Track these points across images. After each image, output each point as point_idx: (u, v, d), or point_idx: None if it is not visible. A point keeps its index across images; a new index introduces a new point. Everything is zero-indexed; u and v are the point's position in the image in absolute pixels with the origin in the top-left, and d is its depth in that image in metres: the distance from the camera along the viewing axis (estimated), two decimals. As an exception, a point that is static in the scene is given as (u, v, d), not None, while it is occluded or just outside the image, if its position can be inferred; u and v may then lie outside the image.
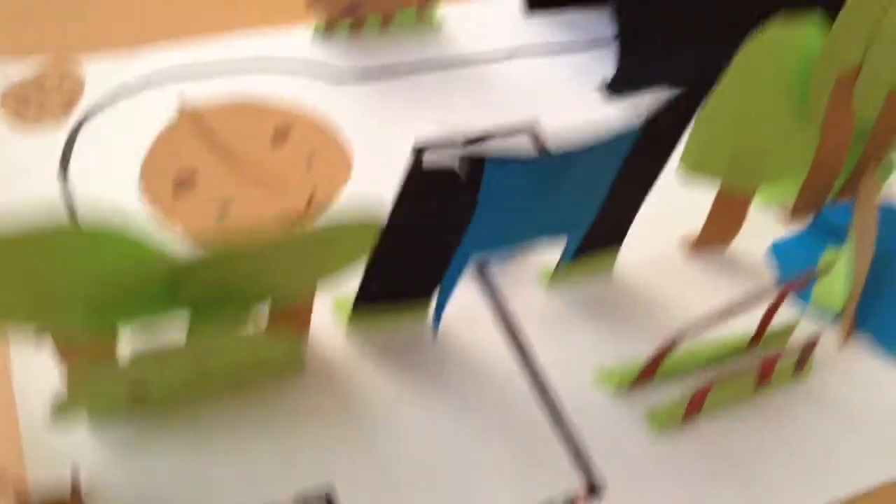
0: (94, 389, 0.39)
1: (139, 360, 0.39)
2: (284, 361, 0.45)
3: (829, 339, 0.51)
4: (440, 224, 0.43)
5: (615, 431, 0.46)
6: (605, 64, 0.67)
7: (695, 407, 0.46)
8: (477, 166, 0.40)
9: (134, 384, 0.40)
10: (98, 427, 0.43)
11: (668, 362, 0.48)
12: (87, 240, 0.35)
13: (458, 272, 0.46)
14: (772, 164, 0.52)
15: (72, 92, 0.58)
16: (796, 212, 0.57)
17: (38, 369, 0.44)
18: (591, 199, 0.47)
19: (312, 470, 0.42)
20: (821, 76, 0.49)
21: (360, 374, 0.47)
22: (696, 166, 0.49)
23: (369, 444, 0.44)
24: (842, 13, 0.47)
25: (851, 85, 0.51)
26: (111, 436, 0.42)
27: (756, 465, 0.45)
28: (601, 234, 0.50)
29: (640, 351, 0.49)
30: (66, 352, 0.42)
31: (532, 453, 0.45)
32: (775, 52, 0.47)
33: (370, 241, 0.40)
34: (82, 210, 0.52)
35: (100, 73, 0.60)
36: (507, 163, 0.40)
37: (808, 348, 0.48)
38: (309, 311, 0.46)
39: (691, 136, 0.47)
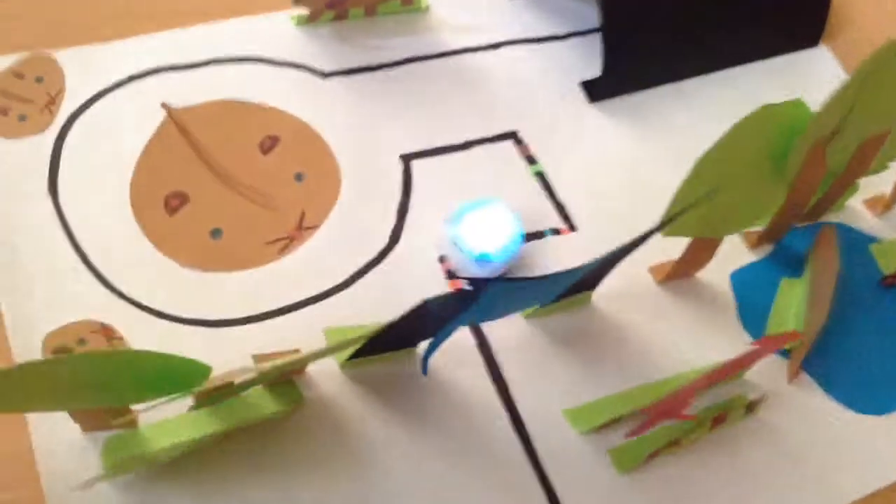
0: (114, 463, 0.42)
1: (151, 430, 0.42)
2: (284, 403, 0.48)
3: (779, 373, 0.56)
4: (435, 323, 0.45)
5: (581, 468, 0.51)
6: (590, 54, 0.67)
7: (657, 452, 0.51)
8: (477, 287, 0.42)
9: (148, 454, 0.43)
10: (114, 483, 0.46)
11: (625, 402, 0.53)
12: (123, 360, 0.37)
13: (449, 334, 0.49)
14: (742, 217, 0.55)
15: (53, 92, 0.56)
16: (759, 241, 0.61)
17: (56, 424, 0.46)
18: (577, 280, 0.50)
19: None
20: (801, 144, 0.52)
21: (354, 410, 0.50)
22: (674, 232, 0.52)
23: (362, 480, 0.48)
24: (831, 97, 0.49)
25: (826, 145, 0.53)
26: (125, 483, 0.45)
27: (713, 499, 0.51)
28: (580, 286, 0.53)
29: (612, 385, 0.53)
30: (82, 418, 0.44)
31: (508, 487, 0.49)
32: (758, 129, 0.49)
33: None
34: (77, 232, 0.52)
35: (80, 69, 0.58)
36: (504, 284, 0.42)
37: (759, 400, 0.53)
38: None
39: (671, 206, 0.50)
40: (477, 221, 0.56)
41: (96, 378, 0.38)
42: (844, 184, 0.60)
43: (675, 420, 0.48)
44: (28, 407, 0.43)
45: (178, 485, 0.46)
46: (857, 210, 0.65)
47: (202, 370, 0.41)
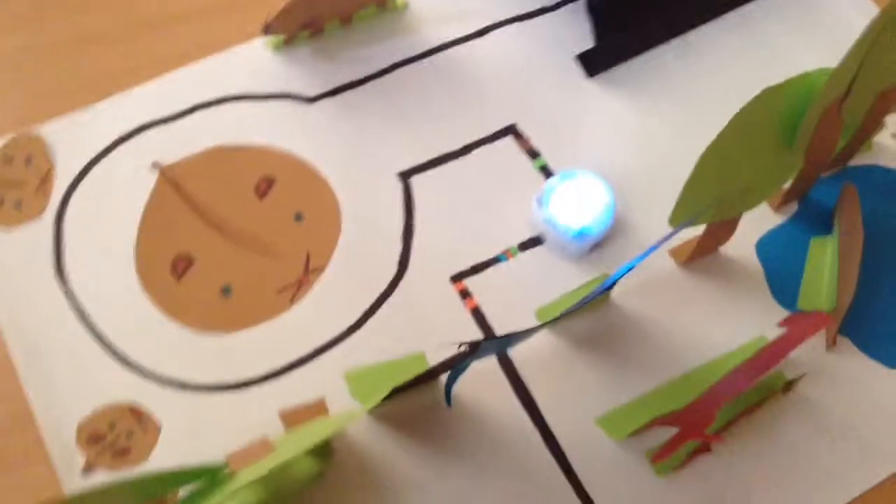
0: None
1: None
2: (318, 461, 0.49)
3: (816, 341, 0.54)
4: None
5: (619, 476, 0.50)
6: (585, 23, 0.64)
7: (696, 452, 0.50)
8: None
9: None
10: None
11: (660, 400, 0.52)
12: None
13: (468, 366, 0.48)
14: (757, 194, 0.52)
15: (43, 171, 0.56)
16: (783, 201, 0.58)
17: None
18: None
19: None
20: (813, 111, 0.48)
21: (384, 453, 0.50)
22: (684, 219, 0.49)
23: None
24: (841, 62, 0.46)
25: (840, 106, 0.50)
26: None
27: (754, 492, 0.50)
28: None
29: (641, 384, 0.53)
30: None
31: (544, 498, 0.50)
32: (766, 108, 0.46)
33: None
34: (90, 312, 0.53)
35: (66, 141, 0.57)
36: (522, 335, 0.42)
37: (796, 380, 0.51)
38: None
39: (682, 196, 0.47)
40: (567, 197, 0.55)
41: (134, 490, 0.39)
42: (867, 130, 0.56)
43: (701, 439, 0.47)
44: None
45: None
46: (886, 146, 0.61)
47: (217, 467, 0.41)
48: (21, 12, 0.62)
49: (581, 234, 0.54)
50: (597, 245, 0.56)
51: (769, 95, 0.46)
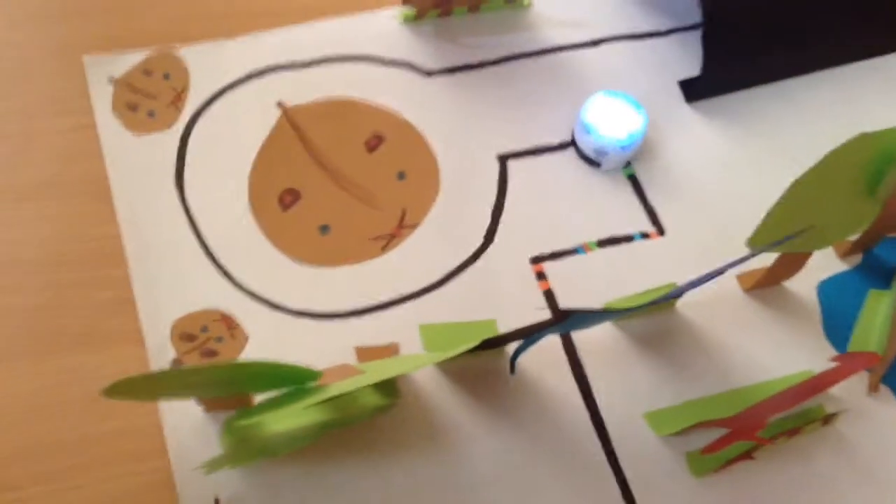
0: (235, 449, 0.47)
1: (265, 416, 0.47)
2: (385, 398, 0.53)
3: (859, 384, 0.58)
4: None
5: (658, 470, 0.54)
6: (690, 52, 0.68)
7: (734, 460, 0.53)
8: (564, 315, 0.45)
9: (260, 441, 0.48)
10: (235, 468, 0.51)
11: (706, 408, 0.55)
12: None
13: (538, 339, 0.52)
14: (834, 234, 0.55)
15: (179, 88, 0.61)
16: (850, 250, 0.61)
17: (183, 404, 0.52)
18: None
19: (406, 499, 0.51)
20: (896, 168, 0.52)
21: (445, 403, 0.54)
22: (763, 244, 0.53)
23: (450, 466, 0.52)
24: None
25: (925, 168, 0.53)
26: (245, 473, 0.51)
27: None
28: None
29: (692, 390, 0.56)
30: (205, 401, 0.49)
31: (585, 483, 0.53)
32: (854, 156, 0.49)
33: None
34: (200, 224, 0.57)
35: (203, 66, 0.62)
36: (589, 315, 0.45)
37: (837, 413, 0.55)
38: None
39: (764, 222, 0.51)
40: (606, 109, 0.62)
41: (221, 379, 0.43)
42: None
43: (752, 440, 0.50)
44: (164, 397, 0.49)
45: (291, 473, 0.51)
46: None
47: (312, 375, 0.45)
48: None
49: (611, 144, 0.60)
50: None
51: (862, 141, 0.49)
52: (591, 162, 0.62)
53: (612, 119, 0.61)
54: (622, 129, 0.61)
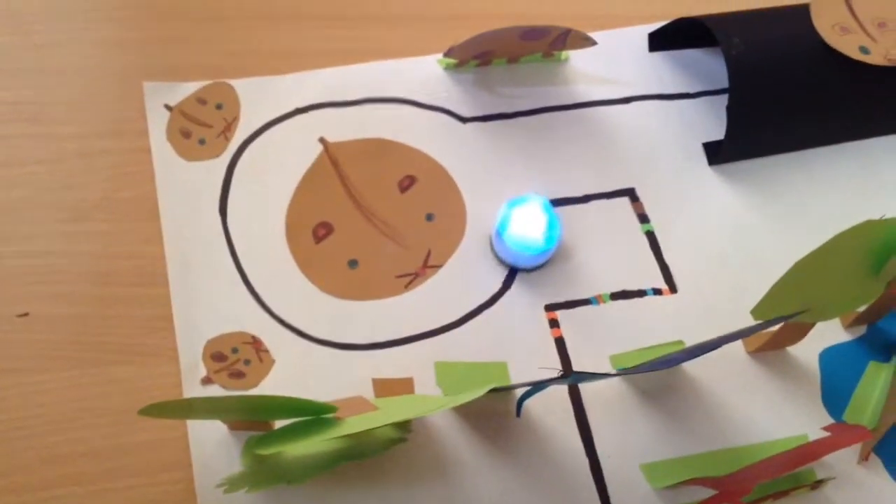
0: (254, 470, 0.51)
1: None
2: (399, 432, 0.56)
3: (850, 452, 0.60)
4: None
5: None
6: (717, 115, 0.71)
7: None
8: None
9: (278, 466, 0.52)
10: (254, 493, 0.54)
11: (702, 464, 0.58)
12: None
13: (543, 388, 0.55)
14: (836, 309, 0.58)
15: (229, 119, 0.65)
16: (854, 322, 0.64)
17: (208, 421, 0.56)
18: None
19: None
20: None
21: (452, 440, 0.57)
22: (766, 317, 0.55)
23: (453, 501, 0.55)
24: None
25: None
26: (263, 497, 0.54)
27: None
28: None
29: (689, 445, 0.59)
30: (232, 423, 0.53)
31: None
32: (858, 241, 0.52)
33: None
34: (239, 251, 0.61)
35: (254, 99, 0.66)
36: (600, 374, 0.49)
37: (825, 480, 0.57)
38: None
39: (768, 295, 0.53)
40: (521, 215, 0.61)
41: (246, 407, 0.47)
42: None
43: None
44: (192, 418, 0.53)
45: (306, 499, 0.54)
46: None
47: (329, 409, 0.49)
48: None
49: (523, 249, 0.61)
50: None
51: (869, 227, 0.52)
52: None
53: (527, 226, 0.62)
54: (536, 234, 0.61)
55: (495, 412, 0.58)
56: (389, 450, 0.56)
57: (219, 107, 0.66)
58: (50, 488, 0.53)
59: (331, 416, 0.49)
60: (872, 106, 0.71)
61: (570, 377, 0.51)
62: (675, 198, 0.67)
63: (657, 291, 0.64)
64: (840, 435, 0.55)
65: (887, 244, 0.54)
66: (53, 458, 0.54)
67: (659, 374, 0.61)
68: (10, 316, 0.58)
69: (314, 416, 0.49)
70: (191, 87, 0.67)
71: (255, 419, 0.51)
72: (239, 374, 0.57)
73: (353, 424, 0.47)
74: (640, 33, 0.74)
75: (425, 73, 0.70)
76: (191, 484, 0.54)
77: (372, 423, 0.46)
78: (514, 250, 0.61)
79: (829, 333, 0.64)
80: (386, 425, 0.55)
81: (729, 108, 0.68)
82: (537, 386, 0.55)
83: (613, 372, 0.49)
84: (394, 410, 0.50)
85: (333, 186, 0.64)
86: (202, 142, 0.64)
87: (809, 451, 0.53)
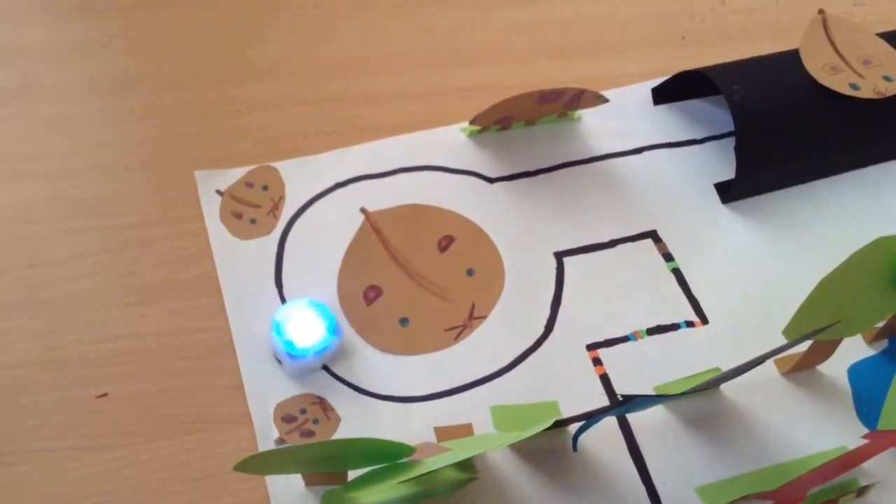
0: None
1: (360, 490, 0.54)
2: (465, 473, 0.59)
3: (891, 458, 0.63)
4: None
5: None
6: (724, 157, 0.76)
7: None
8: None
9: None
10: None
11: (752, 482, 0.61)
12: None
13: (599, 420, 0.59)
14: (859, 324, 0.62)
15: (276, 198, 0.70)
16: (876, 336, 0.68)
17: (287, 478, 0.59)
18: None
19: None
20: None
21: (513, 478, 0.60)
22: (796, 336, 0.60)
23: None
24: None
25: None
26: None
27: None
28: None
29: (738, 465, 0.62)
30: (307, 475, 0.57)
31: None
32: (876, 254, 0.56)
33: None
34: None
35: (297, 178, 0.72)
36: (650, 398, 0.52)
37: (871, 485, 0.60)
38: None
39: (797, 315, 0.58)
40: (297, 318, 0.62)
41: (330, 455, 0.50)
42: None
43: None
44: (279, 471, 0.56)
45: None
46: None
47: (407, 450, 0.52)
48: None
49: (295, 353, 0.62)
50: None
51: (883, 243, 0.56)
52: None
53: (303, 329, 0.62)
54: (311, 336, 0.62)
55: (553, 449, 0.62)
56: (456, 491, 0.59)
57: (265, 188, 0.71)
58: (140, 556, 0.56)
59: (406, 459, 0.53)
60: (868, 136, 0.76)
61: (623, 405, 0.54)
62: (695, 235, 0.72)
63: (690, 324, 0.68)
64: (878, 440, 0.58)
65: (903, 257, 0.58)
66: (140, 529, 0.57)
67: (703, 401, 0.64)
68: (90, 397, 0.61)
69: (394, 457, 0.52)
70: (238, 173, 0.72)
71: (336, 468, 0.54)
72: (309, 433, 0.60)
73: (432, 463, 0.50)
74: (644, 89, 0.80)
75: (450, 141, 0.75)
76: (276, 541, 0.57)
77: (449, 460, 0.50)
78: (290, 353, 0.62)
79: (855, 350, 0.68)
80: (453, 469, 0.58)
81: (737, 150, 0.73)
82: (592, 419, 0.58)
83: (667, 395, 0.52)
84: (464, 449, 0.53)
85: (378, 252, 0.69)
86: (253, 221, 0.69)
87: (852, 458, 0.56)
